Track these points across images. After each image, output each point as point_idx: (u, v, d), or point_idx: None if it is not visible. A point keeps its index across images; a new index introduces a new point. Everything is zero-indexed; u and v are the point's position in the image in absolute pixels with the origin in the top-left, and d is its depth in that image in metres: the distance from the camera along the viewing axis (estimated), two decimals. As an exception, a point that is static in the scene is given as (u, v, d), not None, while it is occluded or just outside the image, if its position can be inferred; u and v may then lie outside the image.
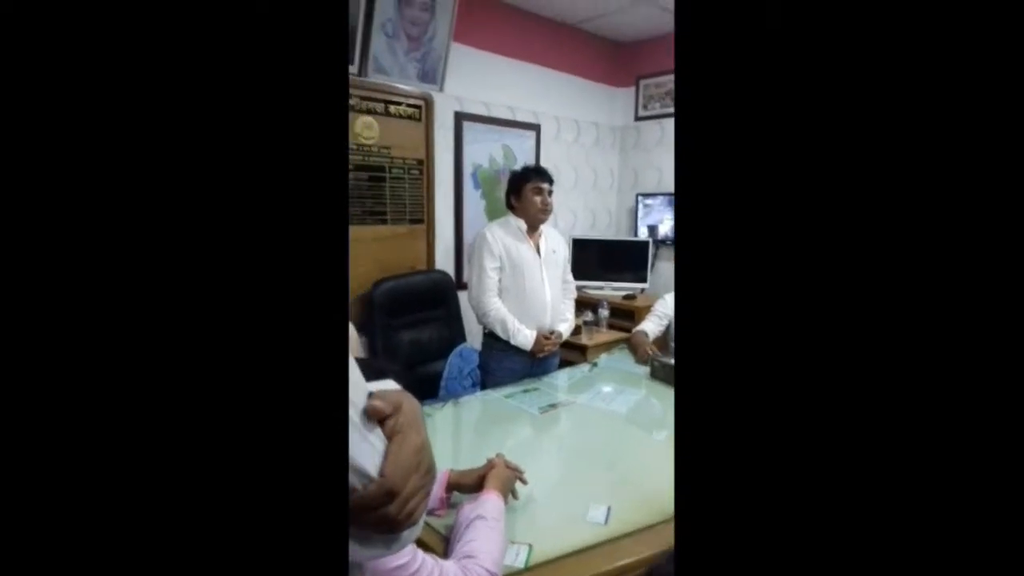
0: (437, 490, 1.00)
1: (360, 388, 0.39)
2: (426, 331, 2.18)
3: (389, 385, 0.46)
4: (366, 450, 0.37)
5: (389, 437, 0.39)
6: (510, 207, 1.87)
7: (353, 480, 0.35)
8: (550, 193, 1.82)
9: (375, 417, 0.38)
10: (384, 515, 0.36)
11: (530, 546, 0.93)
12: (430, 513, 0.99)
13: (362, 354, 1.83)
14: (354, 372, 0.38)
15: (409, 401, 0.43)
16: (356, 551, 0.38)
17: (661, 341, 2.03)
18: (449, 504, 1.01)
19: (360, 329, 1.89)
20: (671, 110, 2.97)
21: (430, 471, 0.41)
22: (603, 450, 1.32)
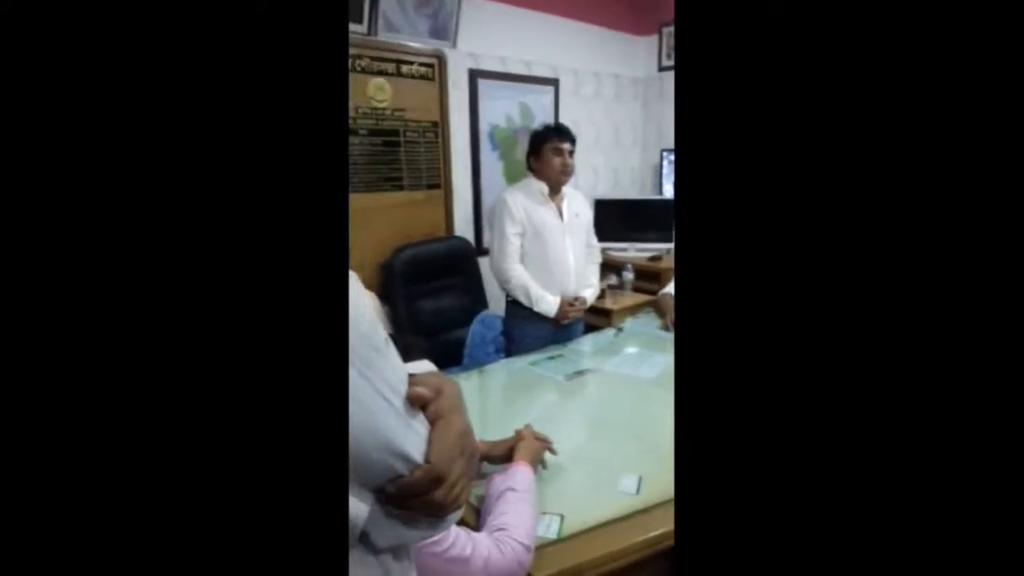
0: (466, 462, 0.99)
1: (400, 373, 0.38)
2: (447, 298, 2.16)
3: (425, 366, 0.45)
4: (410, 436, 0.37)
5: (432, 422, 0.39)
6: (530, 169, 1.80)
7: (399, 466, 0.36)
8: (571, 153, 1.74)
9: (418, 404, 0.38)
10: (431, 500, 0.37)
11: (562, 517, 0.92)
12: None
13: (385, 323, 1.82)
14: (394, 357, 0.38)
15: (449, 385, 0.43)
16: (403, 533, 0.39)
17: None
18: (479, 475, 1.00)
19: (382, 298, 1.87)
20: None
21: (473, 455, 0.42)
22: (631, 418, 1.30)
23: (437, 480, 0.37)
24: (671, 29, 2.89)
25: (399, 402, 0.36)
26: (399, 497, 0.36)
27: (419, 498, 0.37)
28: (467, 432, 0.41)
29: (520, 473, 0.92)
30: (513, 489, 0.88)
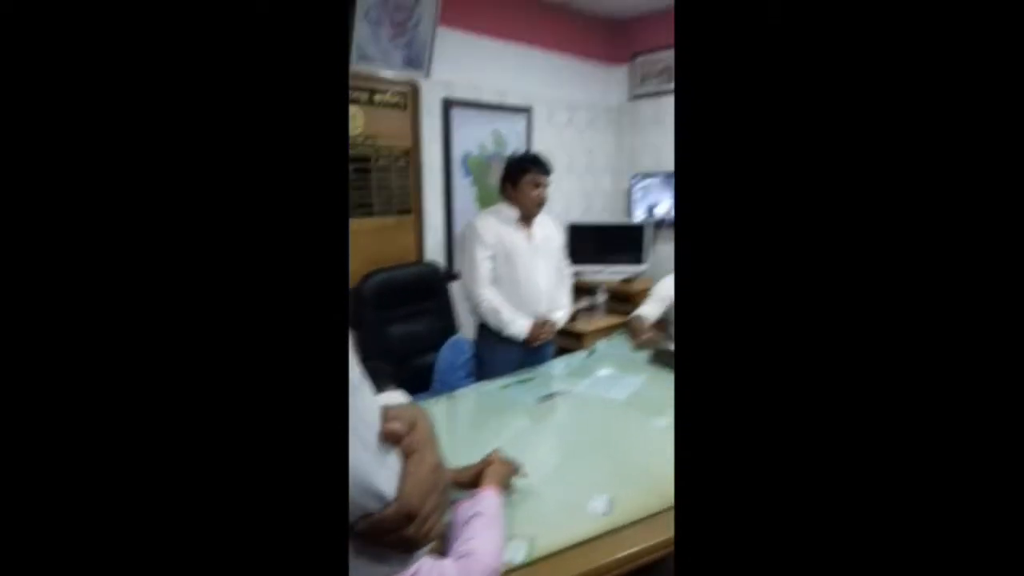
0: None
1: (373, 407, 0.38)
2: (418, 324, 2.15)
3: (397, 397, 0.45)
4: (383, 473, 0.37)
5: (405, 456, 0.39)
6: (504, 195, 1.82)
7: (370, 503, 0.36)
8: (547, 186, 1.77)
9: (393, 440, 0.38)
10: (403, 536, 0.37)
11: (531, 540, 0.90)
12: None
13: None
14: (367, 392, 0.38)
15: (423, 417, 0.42)
16: (373, 571, 0.38)
17: (661, 325, 2.00)
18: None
19: (350, 324, 1.85)
20: (668, 87, 2.91)
21: (446, 489, 0.42)
22: (602, 439, 1.29)
23: (409, 517, 0.37)
24: (643, 58, 3.01)
25: (372, 438, 0.36)
26: (370, 534, 0.36)
27: (390, 534, 0.36)
28: (440, 466, 0.41)
29: (487, 498, 0.90)
30: (480, 514, 0.86)
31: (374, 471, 0.36)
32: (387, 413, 0.39)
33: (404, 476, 0.38)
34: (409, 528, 0.37)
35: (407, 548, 0.38)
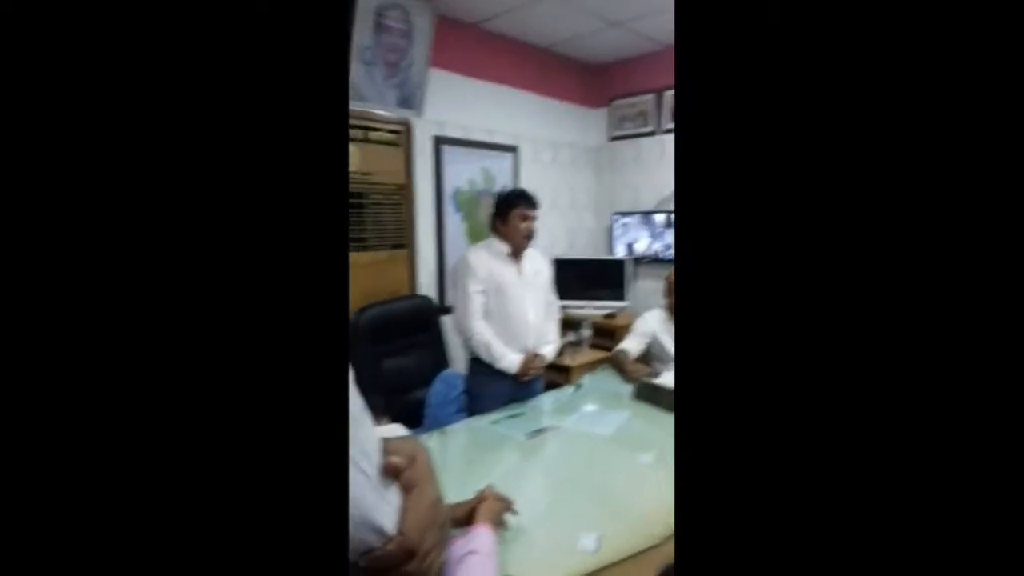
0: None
1: (373, 441, 0.38)
2: (410, 358, 2.17)
3: (396, 430, 0.46)
4: (383, 508, 0.36)
5: (405, 491, 0.39)
6: (494, 230, 1.88)
7: (371, 538, 0.35)
8: (535, 219, 1.84)
9: (393, 474, 0.38)
10: (404, 573, 0.36)
11: (523, 579, 0.92)
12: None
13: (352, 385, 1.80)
14: (368, 425, 0.38)
15: (422, 451, 0.42)
16: None
17: (643, 360, 2.06)
18: (441, 539, 1.00)
19: (343, 357, 1.86)
20: (644, 129, 3.05)
21: (445, 524, 0.41)
22: (590, 475, 1.33)
23: (410, 552, 0.36)
24: (619, 102, 3.15)
25: (373, 472, 0.36)
26: (372, 570, 0.36)
27: (392, 571, 0.36)
28: (439, 501, 0.41)
29: (481, 536, 0.92)
30: (475, 552, 0.88)
31: (374, 505, 0.35)
32: (387, 447, 0.39)
33: (404, 511, 0.37)
34: (410, 564, 0.36)
35: None
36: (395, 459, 0.38)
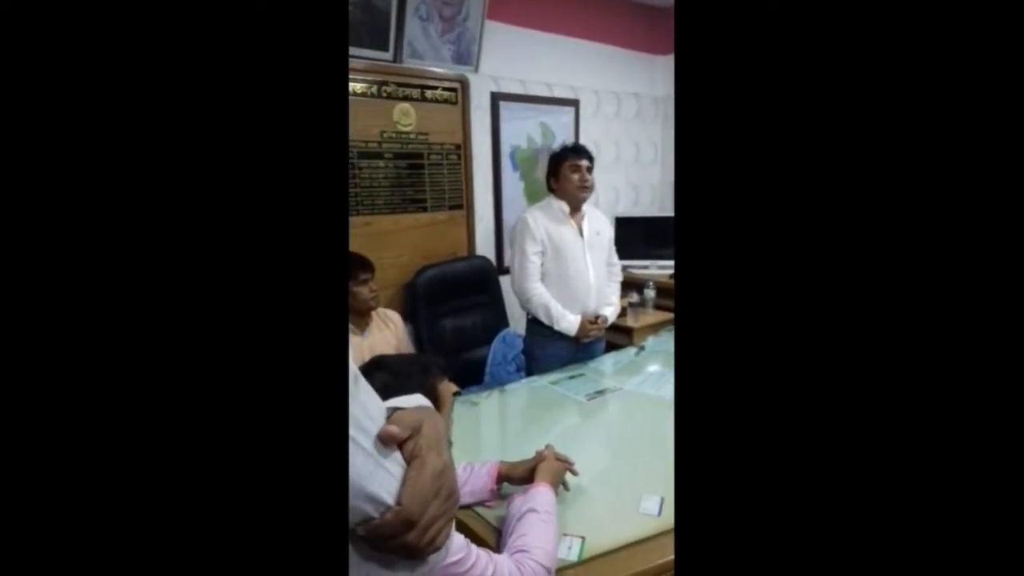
0: (488, 481, 1.00)
1: (372, 411, 0.37)
2: (469, 317, 2.19)
3: (415, 400, 0.45)
4: (381, 477, 0.36)
5: (408, 461, 0.38)
6: (551, 189, 1.83)
7: (368, 509, 0.35)
8: (589, 170, 1.76)
9: (392, 443, 0.37)
10: (403, 543, 0.36)
11: (583, 539, 0.92)
12: (481, 504, 1.00)
13: (409, 343, 1.85)
14: (364, 394, 0.37)
15: (431, 420, 0.42)
16: (381, 575, 0.38)
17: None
18: (500, 496, 1.01)
19: (405, 318, 1.91)
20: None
21: (451, 496, 0.41)
22: (653, 437, 1.29)
23: (408, 523, 0.36)
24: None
25: (368, 442, 0.36)
26: (371, 540, 0.35)
27: (391, 541, 0.36)
28: (444, 471, 0.40)
29: (541, 494, 0.92)
30: (534, 510, 0.88)
31: (370, 475, 0.35)
32: (393, 417, 0.38)
33: (405, 481, 0.37)
34: (410, 535, 0.36)
35: (411, 555, 0.37)
36: (392, 429, 0.37)
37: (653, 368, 1.70)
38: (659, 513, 0.99)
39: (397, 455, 0.38)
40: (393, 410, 0.40)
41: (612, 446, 1.32)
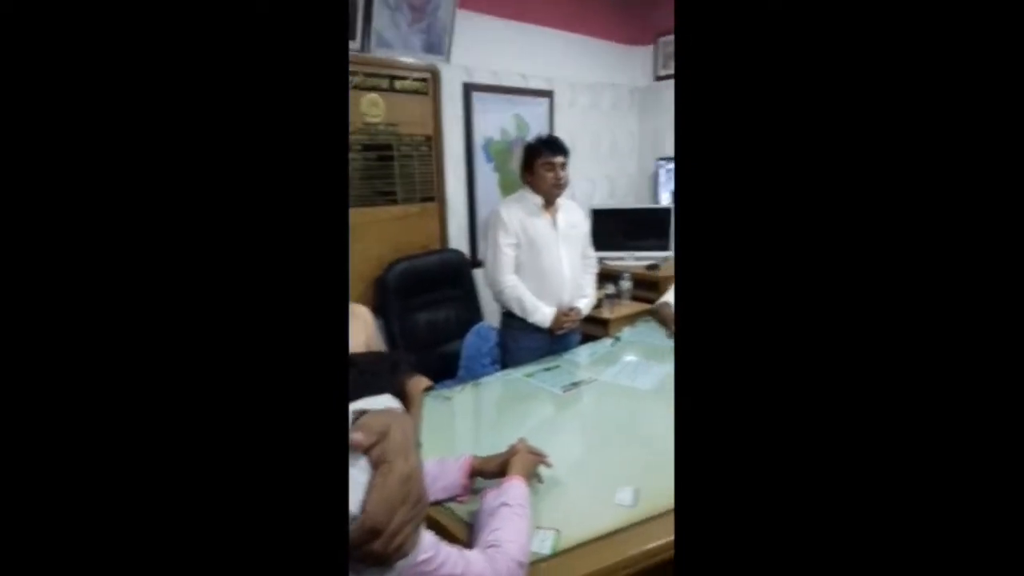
0: (460, 476, 0.98)
1: None
2: (443, 311, 2.16)
3: (383, 401, 0.44)
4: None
5: (375, 467, 0.38)
6: (524, 181, 1.80)
7: None
8: (563, 166, 1.74)
9: (358, 449, 0.37)
10: (370, 552, 0.36)
11: (557, 531, 0.90)
12: (453, 500, 0.97)
13: (379, 338, 1.81)
14: None
15: (399, 424, 0.41)
16: None
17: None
18: (472, 490, 0.98)
19: (376, 312, 1.86)
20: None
21: (419, 501, 0.40)
22: (629, 428, 1.28)
23: (374, 532, 0.36)
24: (667, 39, 2.91)
25: None
26: None
27: (357, 550, 0.36)
28: (412, 476, 0.40)
29: (514, 487, 0.90)
30: (507, 504, 0.86)
31: None
32: (360, 424, 0.38)
33: (371, 488, 0.37)
34: (375, 544, 0.36)
35: (376, 562, 0.37)
36: (357, 436, 0.37)
37: (629, 359, 1.70)
38: (634, 503, 0.98)
39: (363, 461, 0.37)
40: (361, 412, 0.40)
41: (587, 438, 1.31)
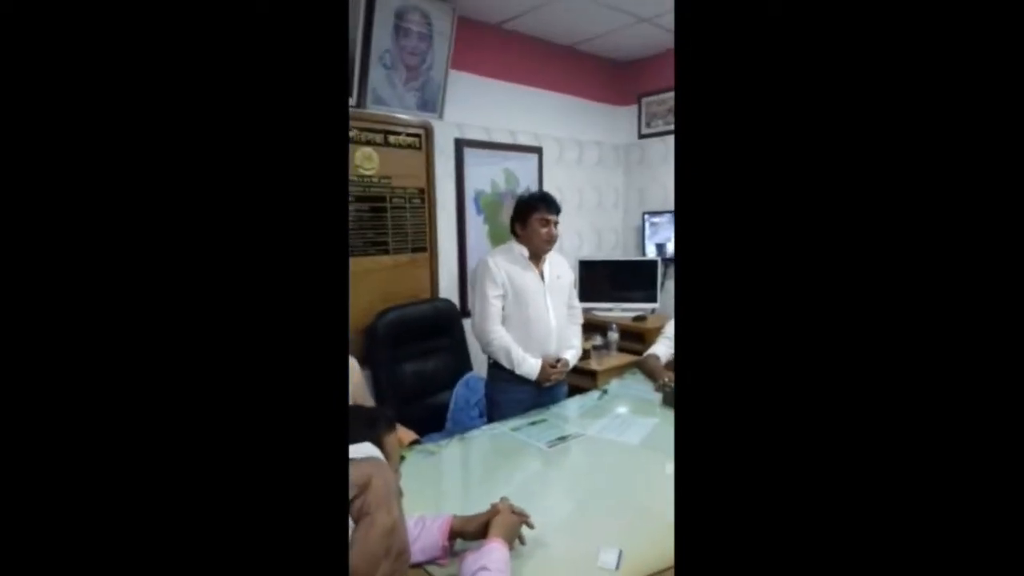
0: (439, 538, 0.95)
1: None
2: (431, 361, 2.15)
3: (365, 450, 0.44)
4: None
5: (356, 520, 0.37)
6: (514, 233, 1.84)
7: None
8: (556, 224, 1.79)
9: None
10: None
11: (538, 597, 0.87)
12: (432, 563, 0.95)
13: (365, 389, 1.79)
14: None
15: (380, 474, 0.41)
16: None
17: (673, 364, 1.97)
18: (452, 552, 0.96)
19: (363, 362, 1.86)
20: (674, 127, 2.95)
21: (401, 555, 0.40)
22: (615, 485, 1.27)
23: None
24: (650, 99, 3.06)
25: None
26: None
27: None
28: (394, 529, 0.39)
29: (495, 551, 0.88)
30: (486, 568, 0.84)
31: None
32: None
33: (353, 542, 0.36)
34: None
35: None
36: None
37: (619, 411, 1.69)
38: (617, 567, 0.95)
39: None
40: None
41: (572, 495, 1.28)
